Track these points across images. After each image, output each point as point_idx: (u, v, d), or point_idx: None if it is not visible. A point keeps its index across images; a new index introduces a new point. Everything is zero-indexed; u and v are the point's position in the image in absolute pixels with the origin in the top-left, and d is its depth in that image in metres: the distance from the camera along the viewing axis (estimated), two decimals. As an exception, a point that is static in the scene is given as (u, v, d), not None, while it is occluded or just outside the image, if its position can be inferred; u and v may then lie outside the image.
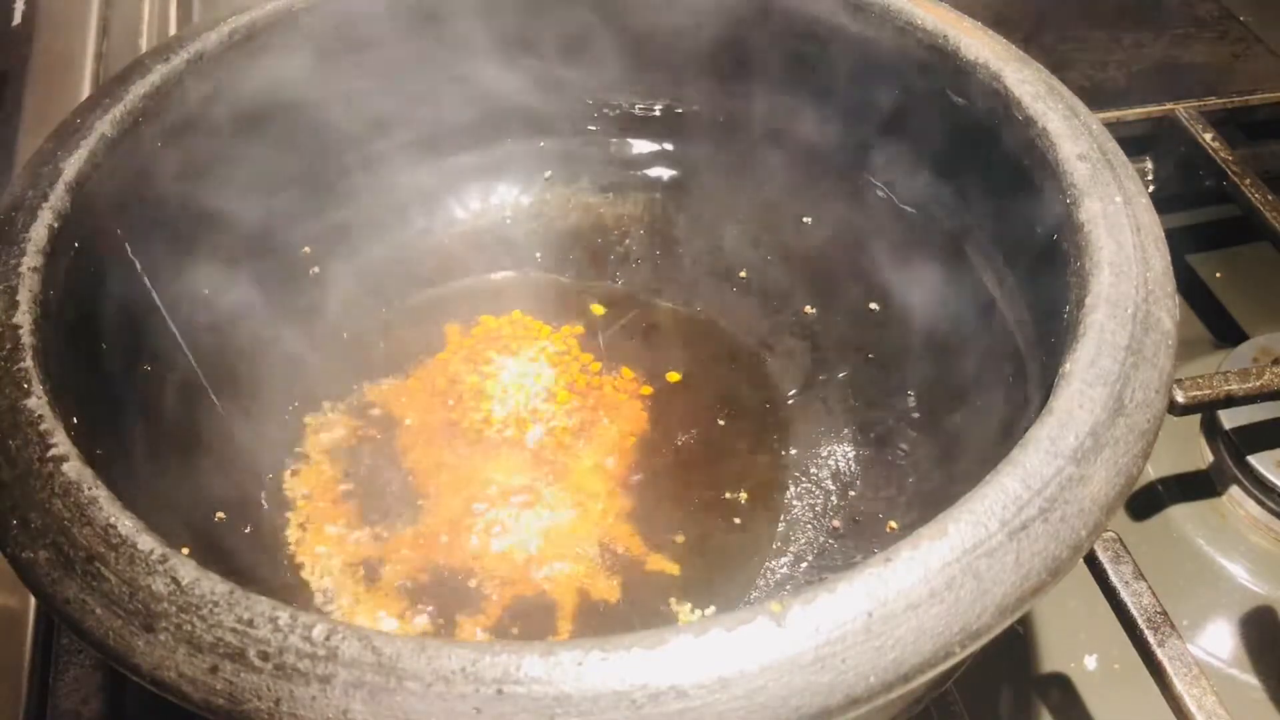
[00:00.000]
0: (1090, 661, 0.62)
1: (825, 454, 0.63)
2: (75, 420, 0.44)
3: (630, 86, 0.74)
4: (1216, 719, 0.51)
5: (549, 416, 0.65)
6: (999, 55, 0.57)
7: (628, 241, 0.76)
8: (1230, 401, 0.63)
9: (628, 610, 0.57)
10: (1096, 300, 0.45)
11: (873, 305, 0.68)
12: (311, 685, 0.34)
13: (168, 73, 0.58)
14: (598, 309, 0.71)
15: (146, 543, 0.38)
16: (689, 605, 0.57)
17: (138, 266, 0.58)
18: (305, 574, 0.58)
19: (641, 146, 0.77)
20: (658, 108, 0.75)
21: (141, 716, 0.57)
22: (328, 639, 0.35)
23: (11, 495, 0.41)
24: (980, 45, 0.57)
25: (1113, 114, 0.84)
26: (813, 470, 0.63)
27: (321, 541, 0.59)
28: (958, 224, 0.63)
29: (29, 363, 0.44)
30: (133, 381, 0.56)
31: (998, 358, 0.58)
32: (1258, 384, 0.63)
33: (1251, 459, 0.66)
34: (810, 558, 0.59)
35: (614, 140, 0.77)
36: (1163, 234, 0.49)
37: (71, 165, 0.52)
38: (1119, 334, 0.43)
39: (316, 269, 0.70)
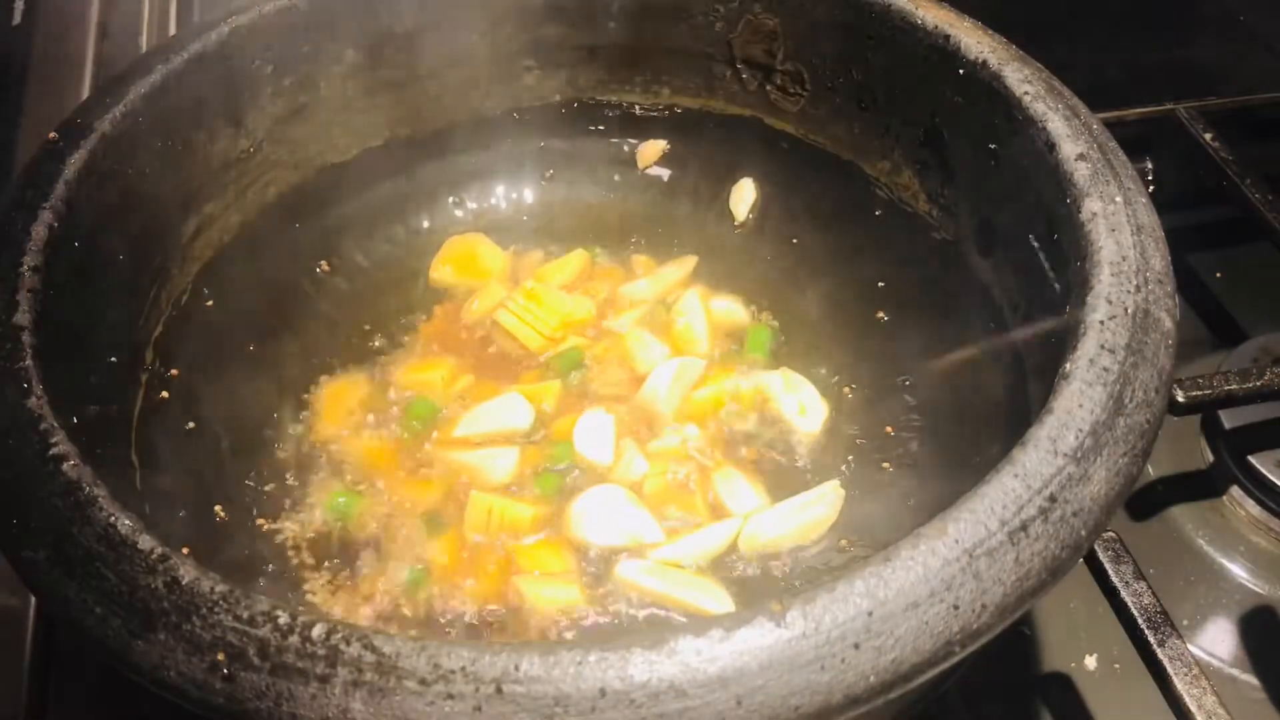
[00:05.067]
0: (1090, 661, 0.62)
1: (827, 456, 0.63)
2: (75, 420, 0.44)
3: (630, 85, 0.75)
4: (1216, 719, 0.51)
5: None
6: (999, 55, 0.57)
7: (628, 241, 0.76)
8: (1230, 401, 0.63)
9: (625, 608, 0.57)
10: (1096, 300, 0.45)
11: (878, 312, 0.68)
12: (311, 684, 0.34)
13: (168, 73, 0.58)
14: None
15: (146, 542, 0.38)
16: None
17: (137, 265, 0.58)
18: (303, 572, 0.58)
19: (641, 146, 0.77)
20: (658, 108, 0.75)
21: (141, 717, 0.57)
22: (328, 638, 0.35)
23: (11, 495, 0.41)
24: (981, 45, 0.57)
25: (1113, 114, 0.84)
26: (814, 472, 0.63)
27: (320, 537, 0.59)
28: (958, 223, 0.63)
29: (29, 363, 0.44)
30: (134, 379, 0.56)
31: (998, 357, 0.58)
32: (1258, 384, 0.63)
33: (1252, 459, 0.66)
34: (810, 558, 0.59)
35: (614, 140, 0.77)
36: (1163, 234, 0.49)
37: (72, 165, 0.52)
38: (1119, 334, 0.43)
39: (324, 264, 0.70)
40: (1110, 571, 0.56)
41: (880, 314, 0.68)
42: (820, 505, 0.59)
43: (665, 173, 0.77)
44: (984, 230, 0.61)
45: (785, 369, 0.67)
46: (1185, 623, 0.63)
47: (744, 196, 0.74)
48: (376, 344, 0.69)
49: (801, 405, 0.65)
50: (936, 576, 0.36)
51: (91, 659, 0.59)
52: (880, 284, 0.68)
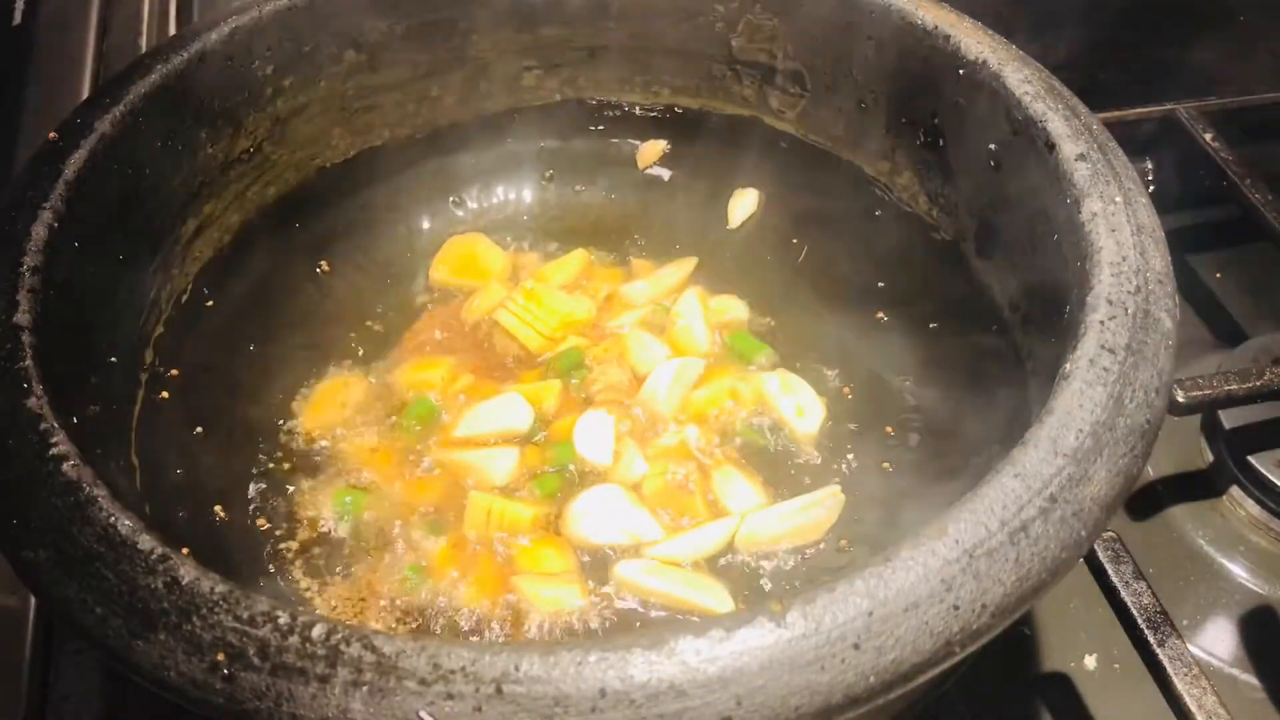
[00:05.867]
0: (1090, 661, 0.62)
1: (827, 456, 0.63)
2: (75, 420, 0.44)
3: (630, 85, 0.75)
4: (1216, 719, 0.51)
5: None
6: (999, 55, 0.57)
7: (628, 241, 0.76)
8: (1230, 401, 0.63)
9: (625, 608, 0.57)
10: (1096, 300, 0.45)
11: (878, 312, 0.68)
12: (311, 684, 0.34)
13: (168, 72, 0.58)
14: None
15: (146, 542, 0.38)
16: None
17: (137, 265, 0.58)
18: (303, 572, 0.58)
19: (641, 146, 0.77)
20: (658, 108, 0.75)
21: (141, 716, 0.57)
22: (328, 638, 0.35)
23: (11, 495, 0.41)
24: (981, 45, 0.57)
25: (1113, 114, 0.84)
26: (815, 472, 0.63)
27: (320, 537, 0.59)
28: (958, 223, 0.63)
29: (29, 363, 0.44)
30: (134, 379, 0.56)
31: (998, 358, 0.58)
32: (1258, 384, 0.63)
33: (1251, 459, 0.66)
34: (811, 558, 0.59)
35: (614, 140, 0.77)
36: (1163, 234, 0.49)
37: (72, 165, 0.52)
38: (1119, 334, 0.43)
39: (324, 264, 0.70)
40: (1110, 571, 0.56)
41: (880, 314, 0.68)
42: (820, 509, 0.59)
43: (665, 173, 0.77)
44: (984, 230, 0.61)
45: (782, 370, 0.67)
46: (1185, 623, 0.63)
47: (743, 205, 0.75)
48: (376, 344, 0.69)
49: (799, 406, 0.65)
50: (936, 576, 0.36)
51: (91, 659, 0.59)
52: (880, 284, 0.68)
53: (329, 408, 0.65)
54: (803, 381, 0.66)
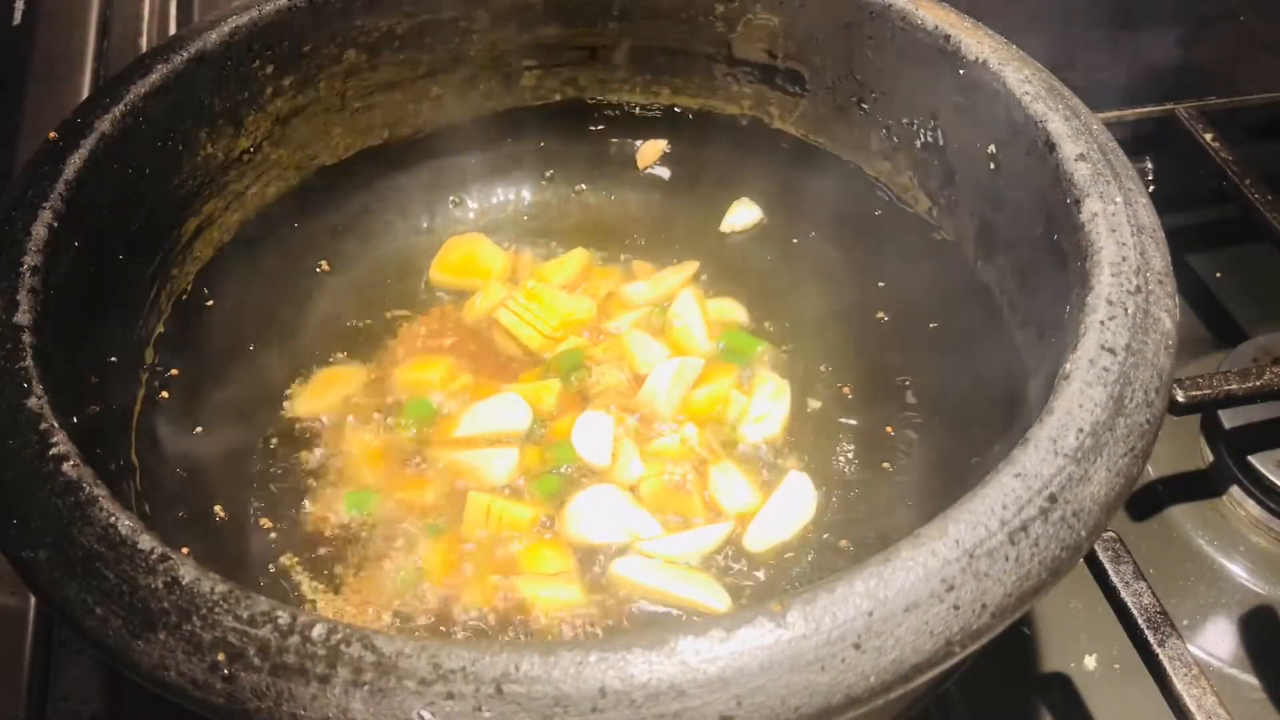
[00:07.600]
0: (1090, 661, 0.62)
1: (827, 455, 0.63)
2: (75, 420, 0.44)
3: (630, 85, 0.75)
4: (1216, 719, 0.51)
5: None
6: (999, 55, 0.57)
7: (628, 241, 0.76)
8: (1230, 401, 0.63)
9: (624, 607, 0.57)
10: (1096, 300, 0.45)
11: (878, 312, 0.68)
12: (311, 684, 0.34)
13: (168, 73, 0.58)
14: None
15: (146, 542, 0.38)
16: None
17: (137, 265, 0.58)
18: (303, 572, 0.58)
19: (641, 146, 0.77)
20: (658, 108, 0.75)
21: (141, 716, 0.57)
22: (328, 638, 0.35)
23: (11, 495, 0.41)
24: (981, 45, 0.57)
25: (1113, 114, 0.84)
26: (814, 471, 0.63)
27: (319, 537, 0.59)
28: (958, 223, 0.63)
29: (29, 363, 0.44)
30: (134, 379, 0.56)
31: (998, 358, 0.58)
32: (1258, 384, 0.63)
33: (1251, 459, 0.66)
34: (810, 558, 0.59)
35: (614, 140, 0.77)
36: (1163, 234, 0.49)
37: (72, 165, 0.52)
38: (1119, 334, 0.43)
39: (324, 264, 0.71)
40: (1110, 571, 0.56)
41: (880, 314, 0.68)
42: (797, 495, 0.60)
43: (665, 173, 0.77)
44: (984, 231, 0.61)
45: (776, 373, 0.67)
46: (1185, 623, 0.63)
47: (743, 214, 0.75)
48: (376, 344, 0.69)
49: (794, 407, 0.65)
50: (936, 576, 0.36)
51: (91, 659, 0.59)
52: (880, 284, 0.68)
53: (329, 408, 0.65)
54: (781, 383, 0.66)
